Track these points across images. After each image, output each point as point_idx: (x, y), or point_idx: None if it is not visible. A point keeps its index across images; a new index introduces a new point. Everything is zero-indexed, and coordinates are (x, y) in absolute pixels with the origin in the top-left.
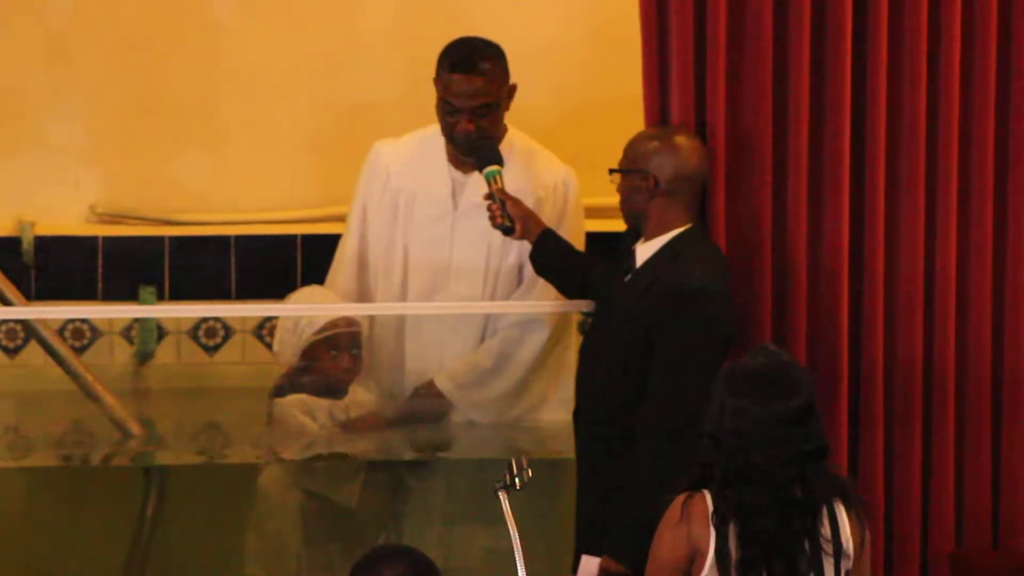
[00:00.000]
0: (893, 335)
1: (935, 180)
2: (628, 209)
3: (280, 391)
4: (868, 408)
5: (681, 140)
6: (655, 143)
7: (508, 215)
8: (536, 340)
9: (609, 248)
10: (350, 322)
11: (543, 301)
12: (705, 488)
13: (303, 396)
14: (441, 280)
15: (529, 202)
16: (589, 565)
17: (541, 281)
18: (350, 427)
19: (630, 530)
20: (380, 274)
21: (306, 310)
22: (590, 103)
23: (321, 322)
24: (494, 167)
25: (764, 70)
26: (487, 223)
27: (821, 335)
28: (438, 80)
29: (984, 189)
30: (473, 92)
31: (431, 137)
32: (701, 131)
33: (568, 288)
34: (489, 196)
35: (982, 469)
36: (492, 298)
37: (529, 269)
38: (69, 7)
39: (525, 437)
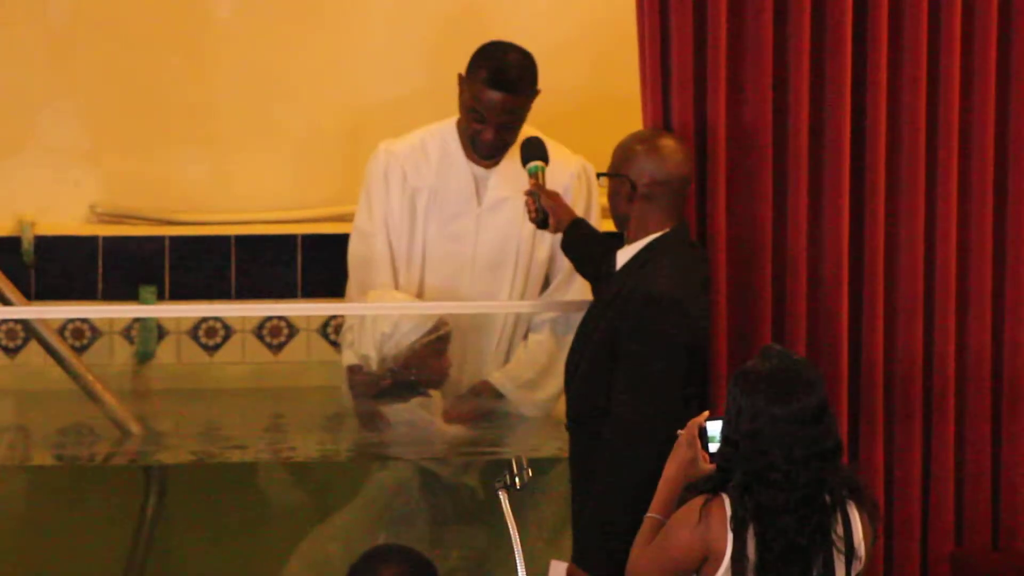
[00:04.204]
0: (893, 335)
1: (935, 180)
2: (613, 214)
3: (385, 394)
4: (868, 408)
5: (662, 143)
6: (637, 147)
7: (542, 208)
8: None
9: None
10: (446, 323)
11: (549, 300)
12: (723, 492)
13: (421, 398)
14: (465, 276)
15: (561, 192)
16: (558, 570)
17: None
18: (457, 420)
19: (595, 538)
20: (400, 273)
21: (304, 309)
22: (590, 103)
23: (420, 324)
24: (537, 163)
25: (764, 70)
26: (513, 217)
27: (821, 335)
28: (470, 84)
29: (984, 189)
30: (506, 109)
31: (445, 134)
32: (701, 131)
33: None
34: (529, 192)
35: (982, 469)
36: (524, 291)
37: (563, 261)
38: (69, 7)
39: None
